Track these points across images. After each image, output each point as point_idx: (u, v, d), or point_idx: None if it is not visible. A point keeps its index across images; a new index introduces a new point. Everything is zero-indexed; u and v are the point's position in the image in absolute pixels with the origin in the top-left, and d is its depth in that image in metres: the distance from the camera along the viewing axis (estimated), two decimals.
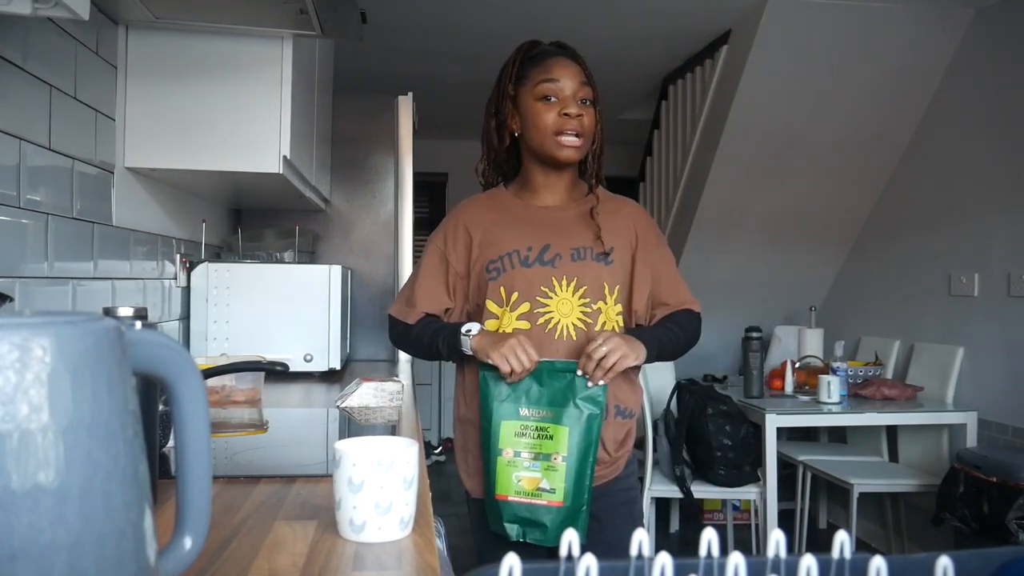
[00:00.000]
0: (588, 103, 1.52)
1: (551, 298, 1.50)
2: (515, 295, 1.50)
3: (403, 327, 1.59)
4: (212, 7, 1.63)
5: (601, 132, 1.56)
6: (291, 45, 1.83)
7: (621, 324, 1.56)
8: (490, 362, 1.42)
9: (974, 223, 3.36)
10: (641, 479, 3.12)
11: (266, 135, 1.82)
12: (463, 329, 1.47)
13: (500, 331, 1.50)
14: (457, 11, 3.55)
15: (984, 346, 3.28)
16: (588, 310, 1.51)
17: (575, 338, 1.49)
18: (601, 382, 1.41)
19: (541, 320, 1.49)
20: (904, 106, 3.67)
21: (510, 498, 1.42)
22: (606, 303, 1.52)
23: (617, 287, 1.54)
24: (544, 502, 1.41)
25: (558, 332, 1.49)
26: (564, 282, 1.50)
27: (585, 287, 1.51)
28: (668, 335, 1.54)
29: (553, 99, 1.50)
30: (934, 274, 3.58)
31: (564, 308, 1.51)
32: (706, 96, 3.93)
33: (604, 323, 1.51)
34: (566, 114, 1.48)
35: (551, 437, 1.42)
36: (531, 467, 1.42)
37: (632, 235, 1.59)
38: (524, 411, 1.44)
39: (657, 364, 2.00)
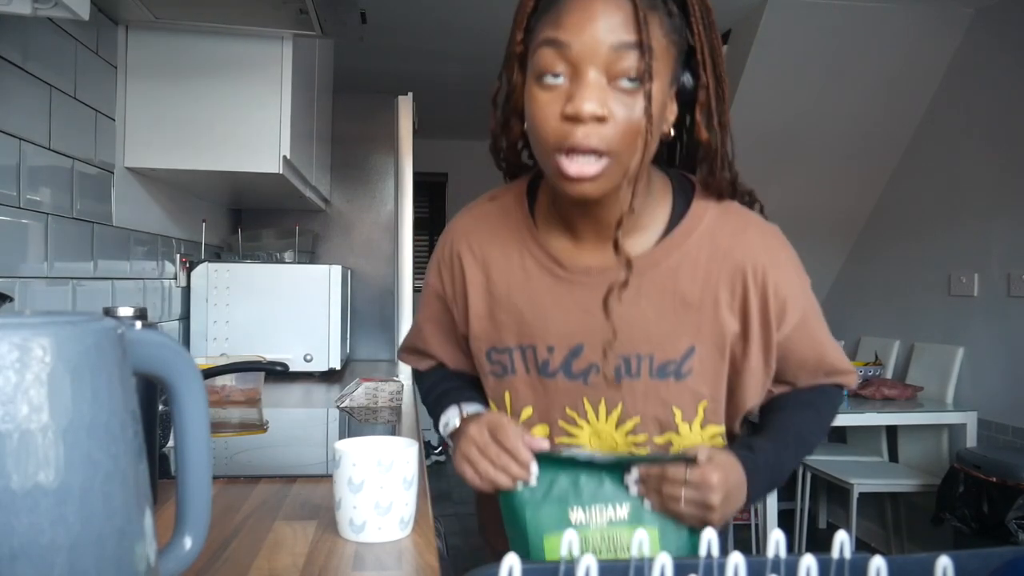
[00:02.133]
0: (636, 81, 0.79)
1: (580, 428, 0.96)
2: (527, 411, 0.99)
3: (416, 374, 1.17)
4: (212, 7, 1.63)
5: (698, 118, 0.88)
6: (291, 45, 1.83)
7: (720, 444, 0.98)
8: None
9: (974, 223, 3.35)
10: None
11: (266, 135, 1.82)
12: (442, 420, 1.00)
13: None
14: (457, 11, 3.55)
15: (984, 346, 3.28)
16: (645, 449, 0.95)
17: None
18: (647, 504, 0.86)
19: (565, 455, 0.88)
20: (904, 106, 3.67)
21: None
22: (679, 433, 0.95)
23: (702, 405, 0.95)
24: None
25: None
26: (602, 408, 0.95)
27: (637, 418, 0.94)
28: (787, 453, 0.95)
29: (559, 78, 0.81)
30: (934, 274, 3.58)
31: (604, 443, 0.96)
32: None
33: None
34: (570, 115, 0.79)
35: (630, 549, 0.76)
36: None
37: (739, 309, 0.93)
38: (578, 514, 0.86)
39: None
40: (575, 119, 0.79)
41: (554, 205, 0.95)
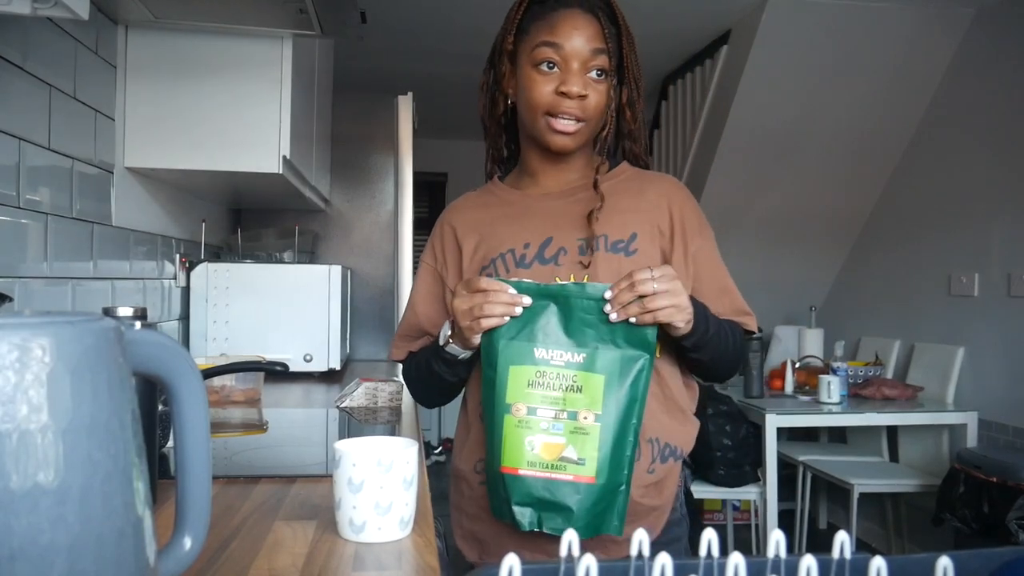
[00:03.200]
0: (602, 74, 1.16)
1: None
2: None
3: (405, 365, 1.31)
4: (212, 7, 1.63)
5: (625, 107, 1.22)
6: (291, 45, 1.83)
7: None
8: (461, 333, 1.10)
9: (974, 223, 3.36)
10: None
11: (266, 135, 1.82)
12: (440, 341, 1.17)
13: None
14: (457, 11, 3.55)
15: (984, 346, 3.28)
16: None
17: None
18: (633, 320, 1.05)
19: None
20: (904, 106, 3.67)
21: (521, 471, 1.04)
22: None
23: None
24: (569, 476, 1.03)
25: None
26: (572, 279, 1.15)
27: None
28: (721, 326, 1.18)
29: (553, 67, 1.16)
30: (934, 274, 3.58)
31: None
32: (706, 96, 3.93)
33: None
34: (563, 92, 1.14)
35: (580, 389, 1.05)
36: (552, 429, 1.04)
37: (665, 216, 1.22)
38: (541, 352, 1.06)
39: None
40: (566, 95, 1.15)
41: (523, 171, 1.29)
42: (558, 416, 1.05)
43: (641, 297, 1.04)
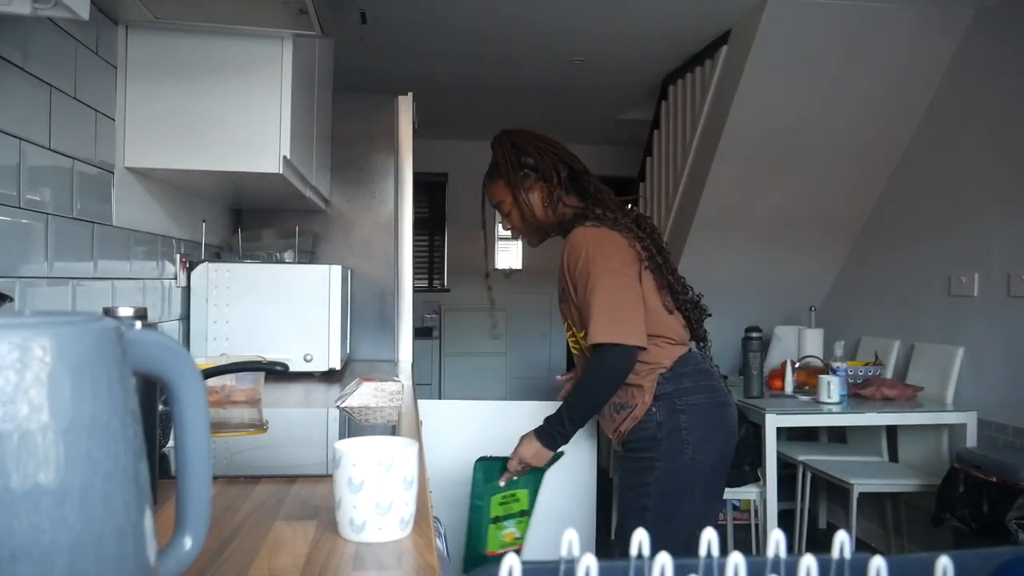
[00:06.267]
0: (505, 213, 1.93)
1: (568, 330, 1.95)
2: None
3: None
4: (212, 7, 1.63)
5: (530, 215, 1.89)
6: (291, 45, 1.83)
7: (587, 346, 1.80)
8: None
9: (974, 223, 3.35)
10: None
11: (266, 135, 1.82)
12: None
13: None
14: (457, 11, 3.55)
15: (984, 346, 3.28)
16: (574, 339, 1.89)
17: (577, 352, 1.92)
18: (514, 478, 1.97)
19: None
20: (904, 106, 3.67)
21: (499, 551, 1.96)
22: (574, 333, 1.88)
23: (575, 319, 1.85)
24: (519, 546, 2.06)
25: (572, 350, 1.96)
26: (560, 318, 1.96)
27: (566, 322, 1.91)
28: (568, 414, 1.80)
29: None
30: (934, 274, 3.58)
31: (569, 335, 1.94)
32: (706, 96, 3.93)
33: (583, 347, 1.83)
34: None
35: (517, 500, 2.03)
36: (509, 526, 2.02)
37: (565, 271, 1.80)
38: (502, 490, 2.02)
39: None
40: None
41: None
42: (511, 517, 2.03)
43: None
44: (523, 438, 1.88)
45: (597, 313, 1.71)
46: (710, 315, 1.94)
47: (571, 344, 1.93)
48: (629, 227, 1.82)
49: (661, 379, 1.79)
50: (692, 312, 1.89)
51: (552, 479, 2.08)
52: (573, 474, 2.52)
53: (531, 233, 1.94)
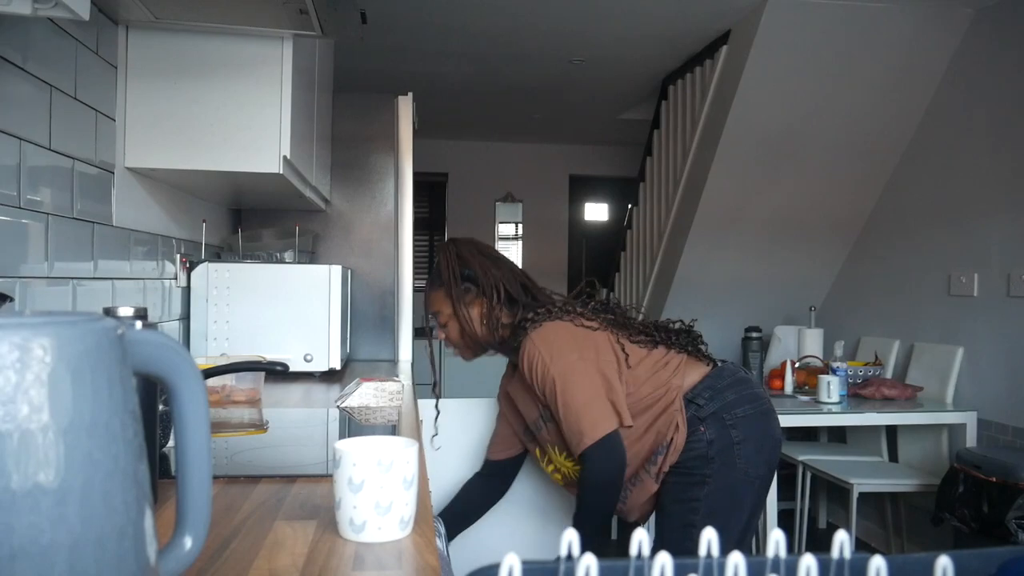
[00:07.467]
0: (442, 325, 1.86)
1: (540, 462, 1.91)
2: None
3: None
4: (212, 7, 1.63)
5: (469, 329, 1.83)
6: (291, 45, 1.83)
7: (573, 467, 1.76)
8: None
9: (974, 223, 3.35)
10: None
11: (266, 135, 1.82)
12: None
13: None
14: (457, 11, 3.55)
15: (984, 346, 3.28)
16: (552, 466, 1.84)
17: (572, 478, 1.81)
18: None
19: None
20: (904, 106, 3.67)
21: None
22: (552, 459, 1.82)
23: (551, 442, 1.79)
24: None
25: (558, 481, 1.89)
26: (539, 451, 1.87)
27: (551, 449, 1.82)
28: (581, 528, 1.85)
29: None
30: (934, 274, 3.58)
31: (550, 467, 1.87)
32: (706, 96, 3.93)
33: (564, 473, 1.81)
34: None
35: None
36: None
37: (530, 387, 1.75)
38: None
39: None
40: None
41: None
42: None
43: None
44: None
45: (570, 422, 1.66)
46: (703, 343, 1.87)
47: (559, 478, 1.84)
48: (567, 308, 1.77)
49: (699, 401, 1.71)
50: (685, 339, 1.82)
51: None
52: None
53: (466, 347, 1.88)
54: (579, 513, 1.69)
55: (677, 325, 1.85)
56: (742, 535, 1.73)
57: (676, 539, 1.67)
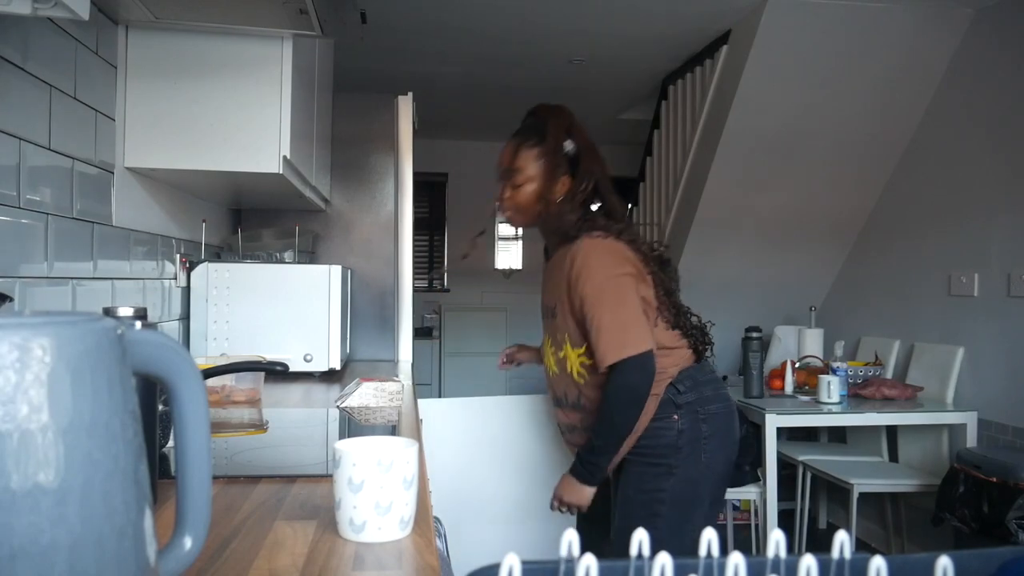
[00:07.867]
0: (516, 184, 1.77)
1: (543, 347, 1.92)
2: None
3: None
4: (212, 7, 1.63)
5: (542, 199, 1.75)
6: (291, 45, 1.83)
7: (587, 363, 1.74)
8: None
9: (974, 223, 3.35)
10: None
11: (266, 135, 1.82)
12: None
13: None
14: (457, 11, 3.55)
15: (984, 346, 3.28)
16: (557, 357, 1.83)
17: (557, 372, 1.84)
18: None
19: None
20: (904, 106, 3.67)
21: None
22: (564, 351, 1.80)
23: (567, 336, 1.77)
24: None
25: (548, 371, 1.89)
26: (544, 335, 1.89)
27: (549, 339, 1.86)
28: (597, 443, 1.71)
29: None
30: (934, 274, 3.58)
31: (546, 354, 1.89)
32: (706, 96, 3.93)
33: (571, 367, 1.78)
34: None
35: None
36: None
37: (565, 284, 1.72)
38: None
39: None
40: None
41: None
42: None
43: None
44: (562, 479, 1.80)
45: (604, 332, 1.65)
46: (712, 343, 1.88)
47: (552, 365, 1.85)
48: (633, 237, 1.76)
49: (680, 387, 1.75)
50: (698, 336, 1.83)
51: (552, 478, 2.08)
52: None
53: (523, 213, 1.81)
54: (597, 425, 1.71)
55: (695, 320, 1.86)
56: (700, 531, 1.74)
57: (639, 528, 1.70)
